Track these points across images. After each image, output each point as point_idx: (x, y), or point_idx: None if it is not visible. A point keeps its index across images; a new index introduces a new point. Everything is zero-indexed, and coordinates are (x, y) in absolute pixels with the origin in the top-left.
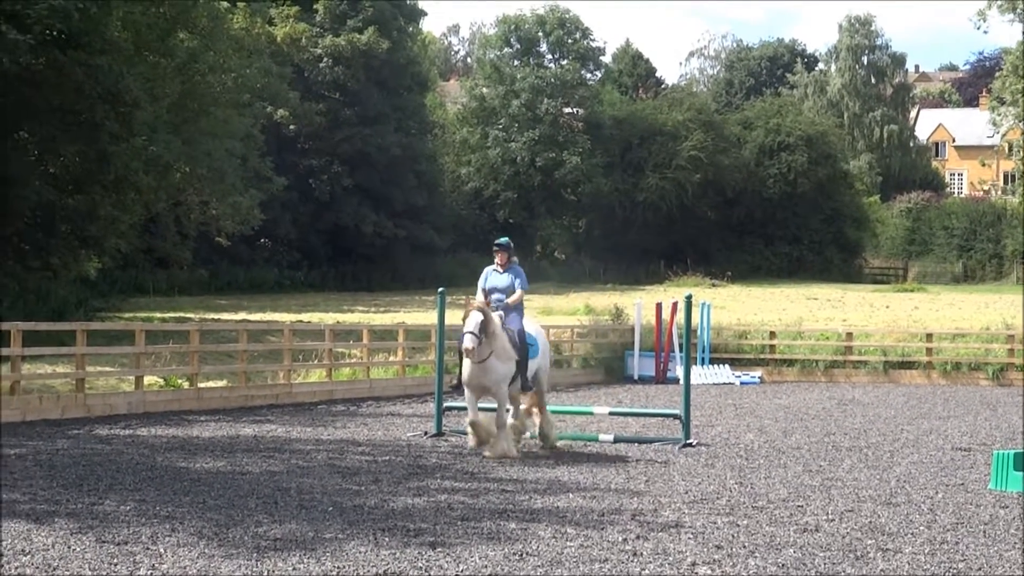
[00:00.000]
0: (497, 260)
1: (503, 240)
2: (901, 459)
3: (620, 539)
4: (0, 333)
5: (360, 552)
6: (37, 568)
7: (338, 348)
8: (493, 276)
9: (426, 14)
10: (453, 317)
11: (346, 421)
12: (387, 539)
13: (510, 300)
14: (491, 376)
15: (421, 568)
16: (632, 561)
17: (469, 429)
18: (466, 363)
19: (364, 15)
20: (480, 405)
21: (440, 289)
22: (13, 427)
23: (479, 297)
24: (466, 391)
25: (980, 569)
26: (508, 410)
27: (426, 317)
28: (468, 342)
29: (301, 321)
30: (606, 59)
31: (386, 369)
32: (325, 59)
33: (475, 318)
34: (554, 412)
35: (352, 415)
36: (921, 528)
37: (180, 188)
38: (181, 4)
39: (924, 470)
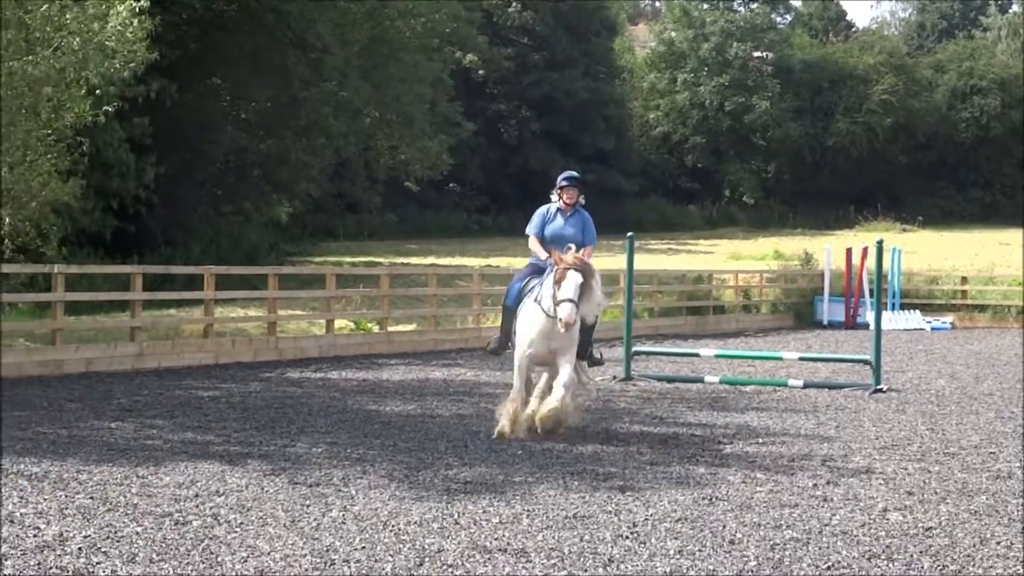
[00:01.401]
0: (564, 199)
1: (574, 173)
2: None
3: (810, 484)
4: (193, 276)
5: (549, 495)
6: (231, 508)
7: None
8: (557, 222)
9: None
10: (642, 262)
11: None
12: (576, 483)
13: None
14: (569, 337)
15: (610, 512)
16: (822, 507)
17: (507, 415)
18: (535, 322)
19: None
20: None
21: (629, 234)
22: (207, 369)
23: (530, 242)
24: (526, 359)
25: None
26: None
27: (614, 262)
28: (568, 313)
29: (490, 266)
30: (796, 3)
31: None
32: (514, 4)
33: (574, 281)
34: (743, 357)
35: None
36: None
37: (370, 133)
38: None
39: None
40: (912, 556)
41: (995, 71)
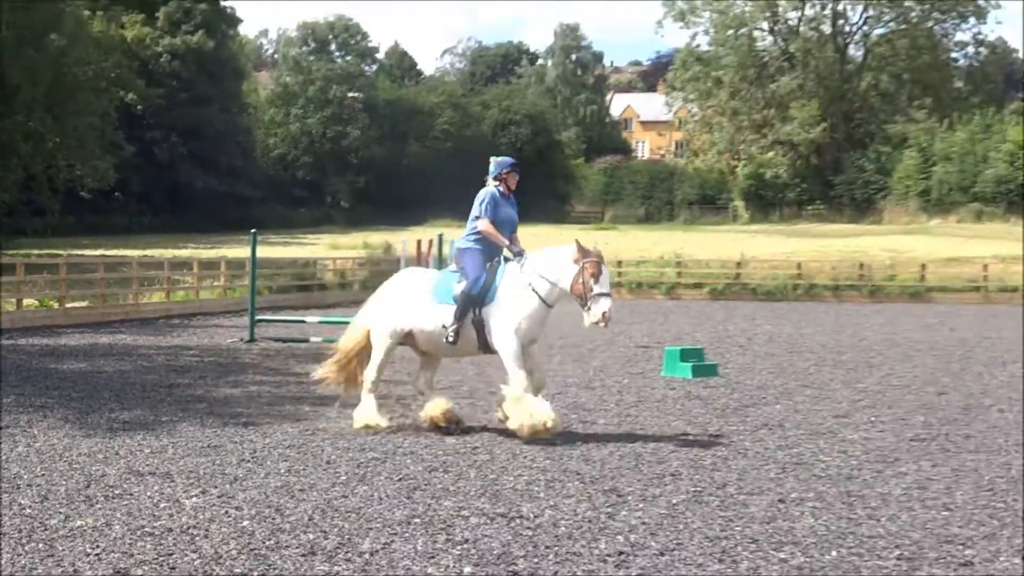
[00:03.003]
0: (509, 183)
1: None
2: (598, 354)
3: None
4: None
5: (189, 430)
6: None
7: (175, 276)
8: (505, 206)
9: (242, 20)
10: (264, 252)
11: (180, 332)
12: (211, 421)
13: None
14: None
15: (236, 442)
16: (398, 433)
17: (526, 414)
18: (529, 310)
19: (195, 20)
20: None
21: (253, 231)
22: None
23: (486, 226)
24: (523, 345)
25: (653, 435)
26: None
27: (243, 252)
28: (611, 308)
29: (146, 256)
30: (380, 55)
31: (212, 291)
32: (165, 55)
33: (607, 274)
34: (340, 322)
35: (185, 327)
36: (611, 406)
37: (52, 154)
38: (54, 9)
39: (615, 362)
40: (462, 468)
41: (526, 108)
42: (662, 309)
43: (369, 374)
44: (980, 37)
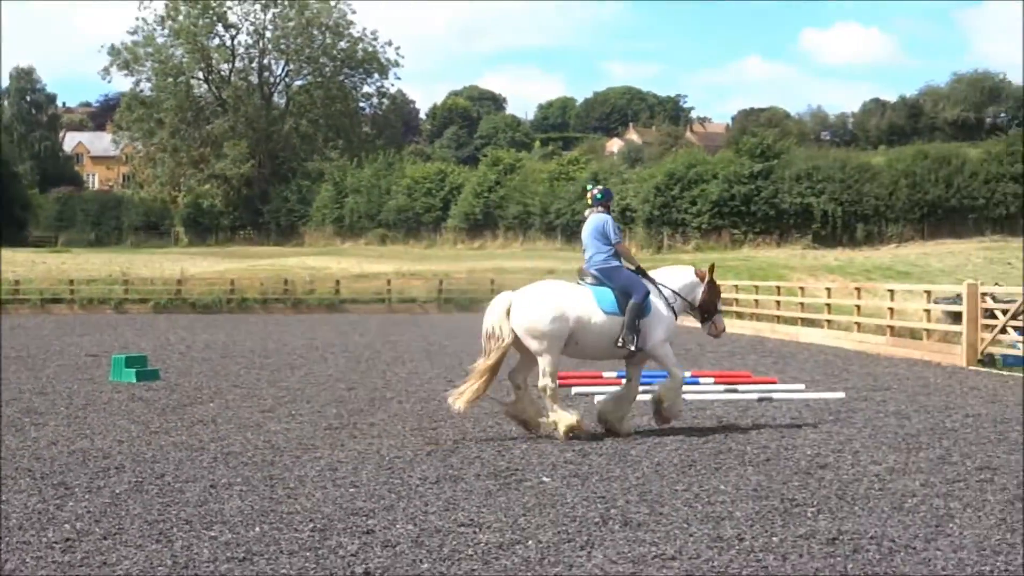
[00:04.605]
0: (611, 209)
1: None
2: (50, 363)
3: None
4: None
5: None
6: None
7: None
8: None
9: None
10: None
11: None
12: None
13: None
14: None
15: None
16: None
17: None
18: (670, 324)
19: None
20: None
21: None
22: None
23: (626, 248)
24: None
25: (100, 433)
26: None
27: None
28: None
29: None
30: None
31: None
32: None
33: None
34: None
35: None
36: (62, 409)
37: None
38: None
39: (65, 370)
40: None
41: None
42: (111, 322)
43: (546, 381)
44: (383, 90)
